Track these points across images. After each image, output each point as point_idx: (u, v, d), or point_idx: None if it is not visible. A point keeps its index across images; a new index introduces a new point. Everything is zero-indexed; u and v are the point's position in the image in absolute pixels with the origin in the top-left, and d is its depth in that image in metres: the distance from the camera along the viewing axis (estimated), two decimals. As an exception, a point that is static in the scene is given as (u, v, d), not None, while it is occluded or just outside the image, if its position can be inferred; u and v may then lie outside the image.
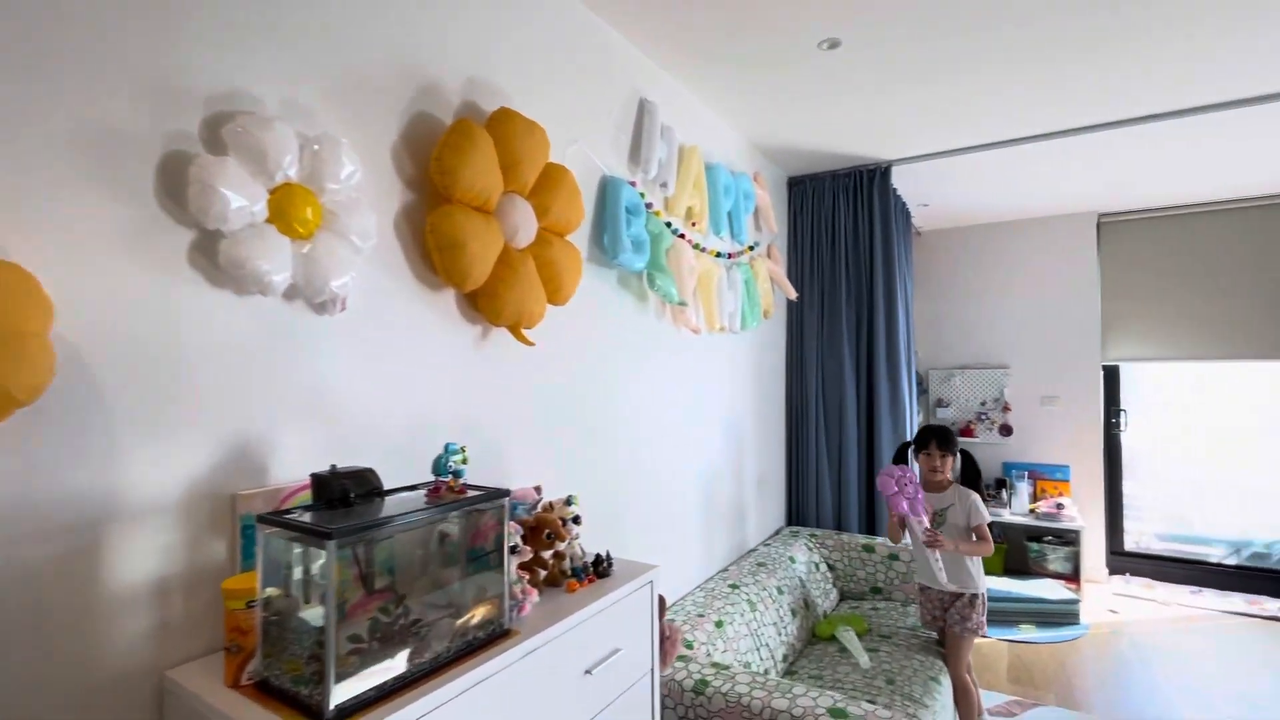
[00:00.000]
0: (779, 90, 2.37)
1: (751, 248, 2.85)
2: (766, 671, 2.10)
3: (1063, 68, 2.22)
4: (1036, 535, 4.10)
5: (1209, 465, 4.17)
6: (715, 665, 1.73)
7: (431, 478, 1.12)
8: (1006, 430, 4.39)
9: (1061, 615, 3.46)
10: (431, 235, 1.27)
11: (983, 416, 4.46)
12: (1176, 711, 2.63)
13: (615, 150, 1.91)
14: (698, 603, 2.12)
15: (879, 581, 2.81)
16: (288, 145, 0.99)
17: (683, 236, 2.15)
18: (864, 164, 3.19)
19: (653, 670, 1.39)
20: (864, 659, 2.16)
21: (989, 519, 2.32)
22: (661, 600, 1.50)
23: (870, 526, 3.14)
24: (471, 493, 1.06)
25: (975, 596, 2.29)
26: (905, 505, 2.17)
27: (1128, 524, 4.27)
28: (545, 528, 1.29)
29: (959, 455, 2.38)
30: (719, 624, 2.02)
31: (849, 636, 2.31)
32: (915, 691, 2.02)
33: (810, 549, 2.88)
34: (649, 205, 1.99)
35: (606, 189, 1.81)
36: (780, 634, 2.28)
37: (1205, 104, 2.53)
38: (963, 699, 2.29)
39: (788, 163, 3.21)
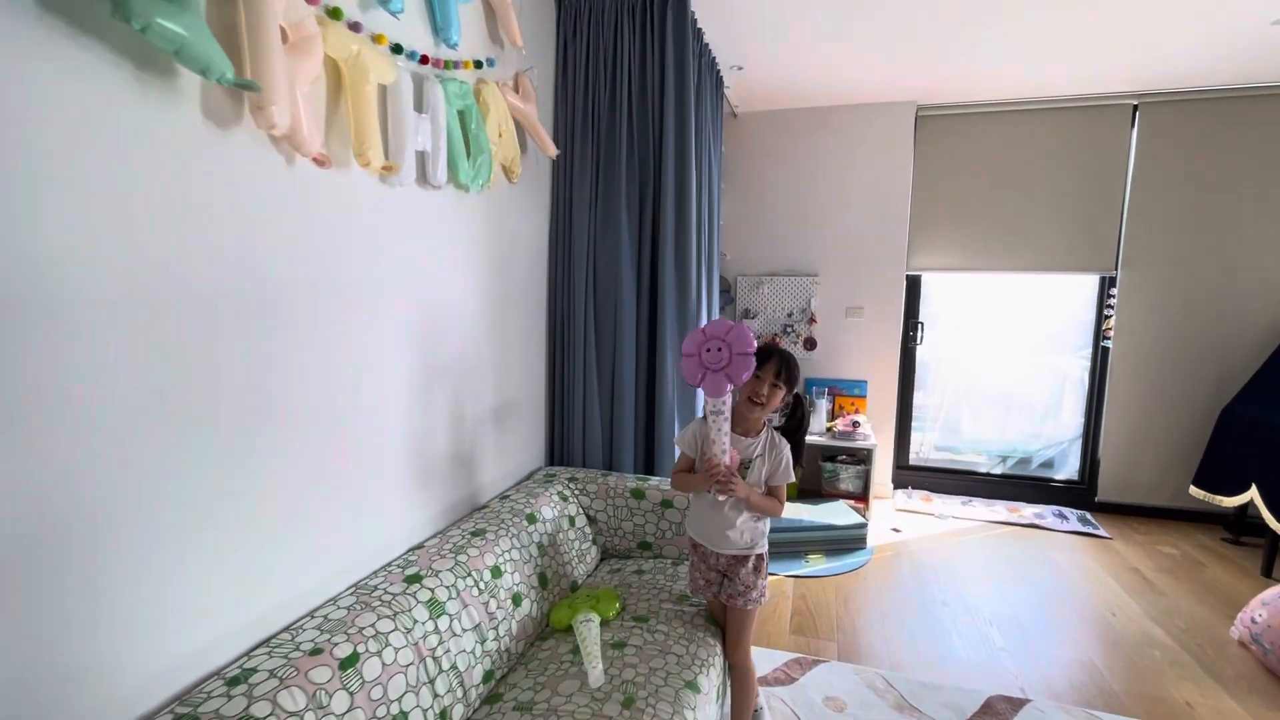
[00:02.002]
0: None
1: (480, 65, 1.87)
2: (443, 714, 1.35)
3: None
4: (832, 455, 3.87)
5: (989, 378, 4.19)
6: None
7: None
8: (811, 344, 4.04)
9: (849, 541, 3.21)
10: None
11: (789, 329, 4.07)
12: (949, 643, 2.41)
13: None
14: (331, 622, 1.28)
15: (648, 535, 2.19)
16: None
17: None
18: (656, -26, 2.31)
19: None
20: (595, 672, 1.50)
21: (791, 478, 1.74)
22: None
23: (649, 466, 2.51)
24: None
25: (761, 558, 1.73)
26: (701, 378, 1.53)
27: (912, 436, 4.22)
28: None
29: (791, 393, 1.72)
30: (349, 660, 1.20)
31: (587, 630, 1.63)
32: (662, 713, 1.40)
33: (566, 498, 2.17)
34: None
35: None
36: (488, 639, 1.54)
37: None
38: (741, 688, 1.76)
39: (551, -44, 2.21)
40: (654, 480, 2.26)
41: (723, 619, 1.80)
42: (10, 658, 0.84)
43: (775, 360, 1.66)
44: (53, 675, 0.89)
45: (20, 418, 0.85)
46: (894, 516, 3.71)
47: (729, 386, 1.50)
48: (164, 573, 1.05)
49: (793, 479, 1.74)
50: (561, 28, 2.40)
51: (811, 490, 3.93)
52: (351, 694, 1.17)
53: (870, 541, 3.28)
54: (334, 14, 1.31)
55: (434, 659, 1.38)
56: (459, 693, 1.42)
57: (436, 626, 1.42)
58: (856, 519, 3.31)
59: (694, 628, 1.76)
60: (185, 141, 1.05)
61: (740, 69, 3.27)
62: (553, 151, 2.19)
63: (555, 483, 2.21)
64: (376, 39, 1.44)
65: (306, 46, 1.20)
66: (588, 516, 2.22)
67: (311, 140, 1.21)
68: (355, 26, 1.36)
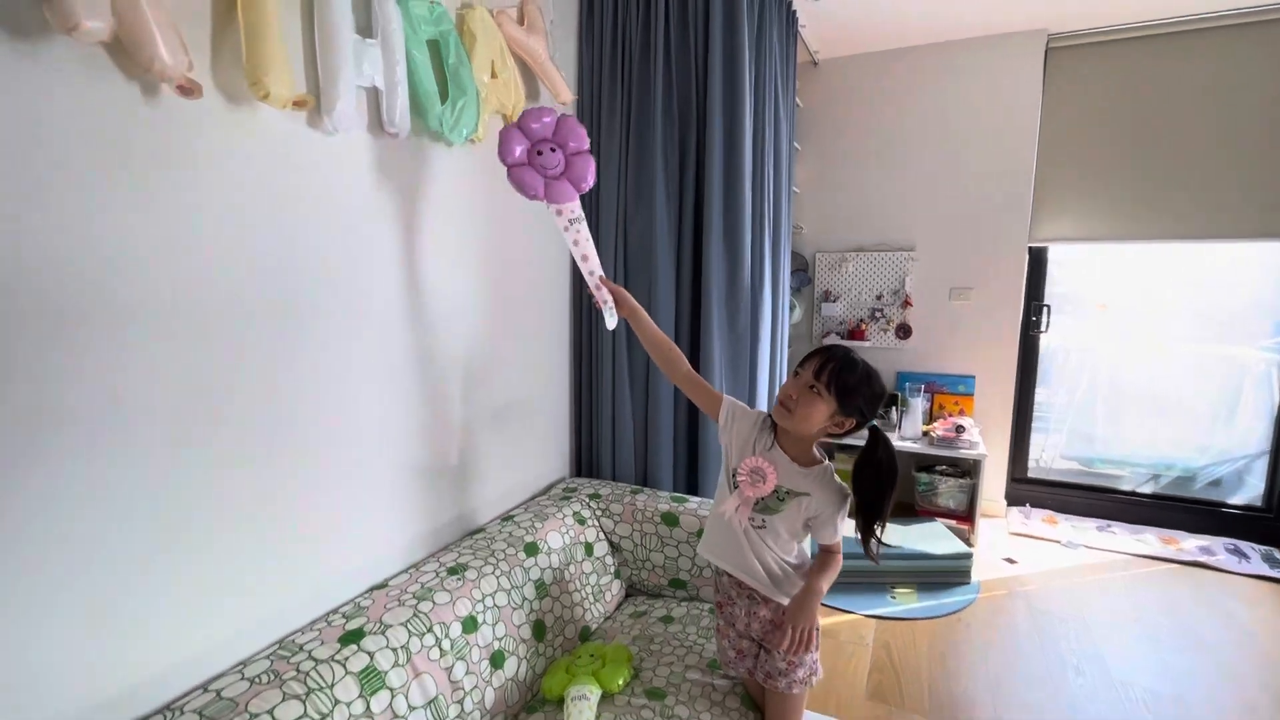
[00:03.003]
0: None
1: (464, -13, 1.49)
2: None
3: None
4: (929, 464, 3.25)
5: (1136, 373, 3.38)
6: None
7: None
8: (905, 331, 3.42)
9: (948, 574, 2.63)
10: None
11: (877, 314, 3.46)
12: (1084, 713, 1.84)
13: None
14: (220, 703, 0.97)
15: (682, 571, 1.77)
16: None
17: None
18: None
19: None
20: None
21: (841, 537, 1.26)
22: None
23: (691, 483, 2.08)
24: None
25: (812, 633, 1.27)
26: (543, 189, 1.32)
27: (1032, 443, 3.50)
28: None
29: (859, 428, 1.23)
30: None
31: (578, 714, 1.25)
32: None
33: (584, 520, 1.79)
34: None
35: None
36: (448, 718, 1.19)
37: None
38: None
39: None
40: (692, 501, 1.83)
41: (762, 700, 1.36)
42: None
43: (818, 357, 1.19)
44: None
45: None
46: (1007, 542, 3.06)
47: (575, 193, 1.35)
48: None
49: (838, 538, 1.26)
50: (586, -51, 1.98)
51: (903, 505, 3.34)
52: (213, 821, 0.85)
53: (976, 575, 2.68)
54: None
55: (364, 758, 1.04)
56: (394, 800, 1.08)
57: (368, 708, 1.08)
58: (959, 546, 2.71)
59: (723, 713, 1.33)
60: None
61: (816, 0, 2.70)
62: (566, 96, 1.78)
63: (573, 500, 1.84)
64: (294, -64, 1.09)
65: (155, -74, 0.86)
66: (610, 543, 1.83)
67: (161, 55, 0.87)
68: (255, -86, 1.02)
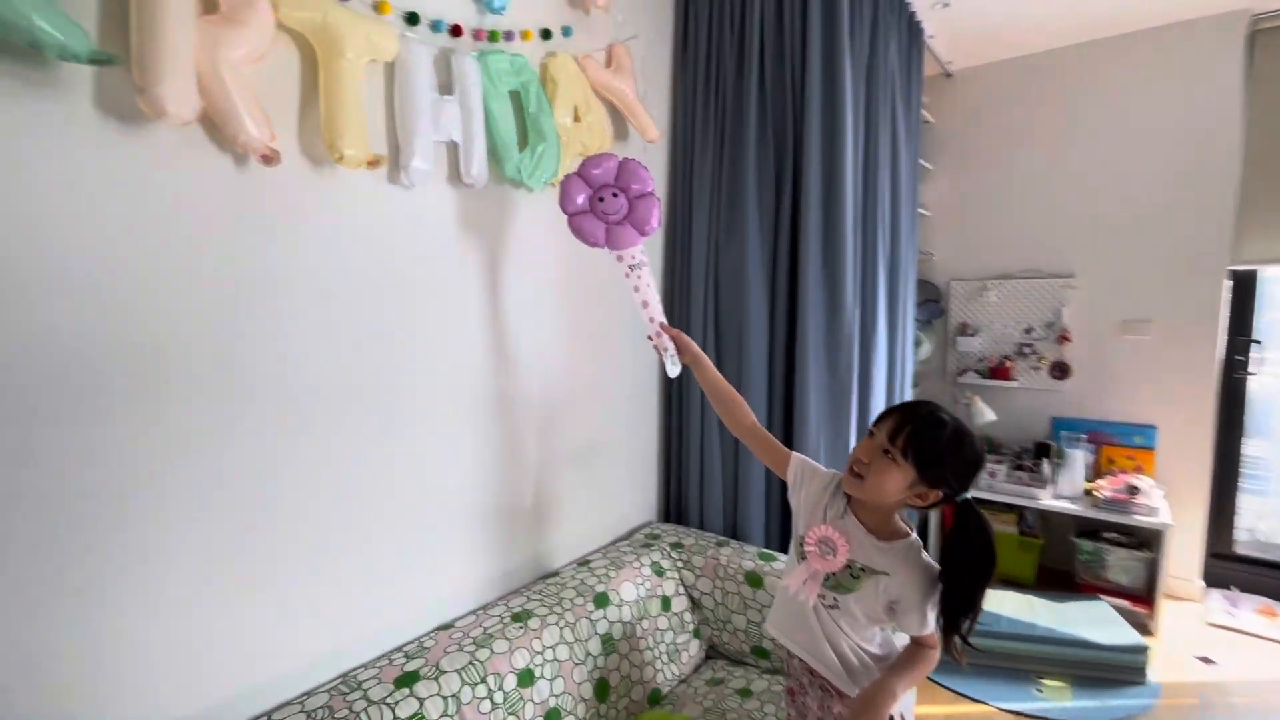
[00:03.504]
0: None
1: (549, 34, 1.52)
2: None
3: None
4: (1092, 529, 2.74)
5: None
6: None
7: None
8: (1061, 370, 2.95)
9: (1116, 669, 2.16)
10: None
11: (1027, 350, 3.02)
12: None
13: None
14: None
15: (765, 639, 1.61)
16: None
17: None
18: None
19: None
20: None
21: (932, 628, 1.05)
22: None
23: (784, 537, 1.91)
24: None
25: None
26: (605, 235, 1.30)
27: (1239, 509, 2.82)
28: None
29: (949, 500, 1.03)
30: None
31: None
32: None
33: (663, 572, 1.70)
34: None
35: None
36: (494, 777, 1.16)
37: None
38: None
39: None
40: (781, 560, 1.67)
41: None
42: None
43: (895, 415, 1.01)
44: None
45: None
46: (1203, 636, 2.47)
47: (639, 237, 1.32)
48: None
49: (927, 629, 1.04)
50: (682, -14, 1.96)
51: (1057, 574, 2.84)
52: None
53: (1156, 674, 2.18)
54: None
55: (400, 812, 1.03)
56: None
57: (413, 760, 1.08)
58: (1132, 635, 2.23)
59: (797, 818, 1.16)
60: (76, 133, 0.85)
61: (946, 5, 2.46)
62: (652, 135, 1.75)
63: (654, 549, 1.76)
64: (378, 6, 1.17)
65: (242, 15, 0.95)
66: (691, 599, 1.72)
67: (247, 129, 0.95)
68: (342, -8, 1.10)
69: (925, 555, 1.06)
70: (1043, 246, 2.98)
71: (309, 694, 1.13)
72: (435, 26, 1.28)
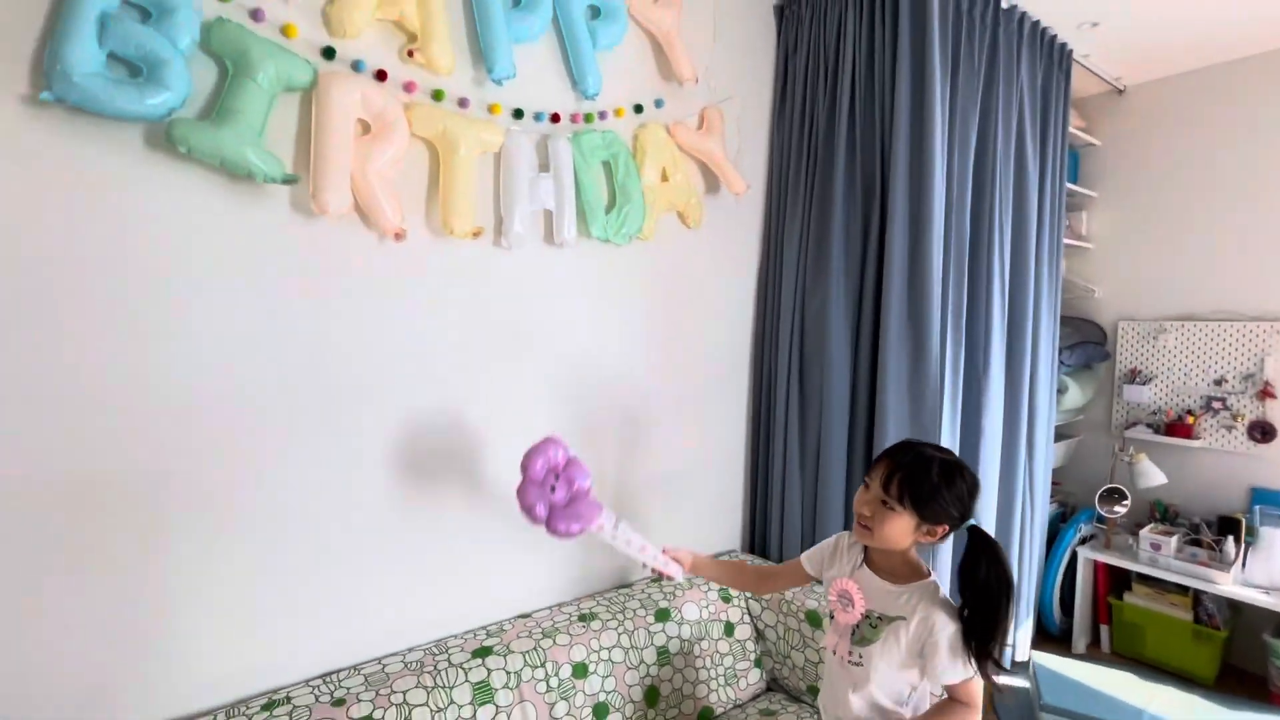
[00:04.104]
0: None
1: (640, 109, 1.74)
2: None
3: None
4: (1296, 628, 2.25)
5: None
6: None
7: None
8: (1264, 432, 2.46)
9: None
10: None
11: (1216, 405, 2.57)
12: None
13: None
14: (377, 676, 1.31)
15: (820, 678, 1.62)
16: None
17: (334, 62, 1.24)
18: (892, -60, 1.78)
19: None
20: None
21: (969, 675, 1.05)
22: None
23: (857, 577, 1.89)
24: None
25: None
26: (540, 510, 1.22)
27: None
28: None
29: (957, 529, 1.07)
30: (356, 727, 1.20)
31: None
32: None
33: (730, 598, 1.79)
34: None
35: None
36: (542, 749, 1.36)
37: None
38: None
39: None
40: (847, 605, 1.67)
41: None
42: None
43: (884, 464, 1.04)
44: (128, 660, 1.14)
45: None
46: None
47: (578, 528, 1.24)
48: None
49: (966, 675, 1.04)
50: (782, 42, 2.07)
51: (1248, 676, 2.35)
52: (346, 757, 1.17)
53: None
54: (437, 96, 1.39)
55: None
56: (480, 807, 1.28)
57: (475, 716, 1.32)
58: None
59: None
60: (273, 229, 1.24)
61: (1095, 25, 2.25)
62: (738, 188, 1.88)
63: (726, 576, 1.85)
64: (491, 108, 1.47)
65: (387, 133, 1.30)
66: (755, 629, 1.79)
67: (386, 217, 1.29)
68: (463, 103, 1.42)
69: (943, 594, 1.08)
70: (1239, 283, 2.53)
71: (410, 649, 1.44)
72: (538, 117, 1.56)
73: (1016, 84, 2.08)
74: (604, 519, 1.28)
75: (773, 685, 1.77)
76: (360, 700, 1.24)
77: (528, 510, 1.23)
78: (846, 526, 1.89)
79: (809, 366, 1.94)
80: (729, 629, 1.74)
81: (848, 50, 1.86)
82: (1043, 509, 2.44)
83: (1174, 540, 2.40)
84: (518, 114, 1.52)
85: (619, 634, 1.57)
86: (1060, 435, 2.84)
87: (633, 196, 1.67)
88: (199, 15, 1.10)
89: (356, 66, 1.29)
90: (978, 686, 1.05)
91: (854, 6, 1.86)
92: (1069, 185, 2.70)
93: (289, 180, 1.17)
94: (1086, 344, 2.83)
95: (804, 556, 1.31)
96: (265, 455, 1.25)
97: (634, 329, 1.81)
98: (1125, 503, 2.50)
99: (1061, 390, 2.61)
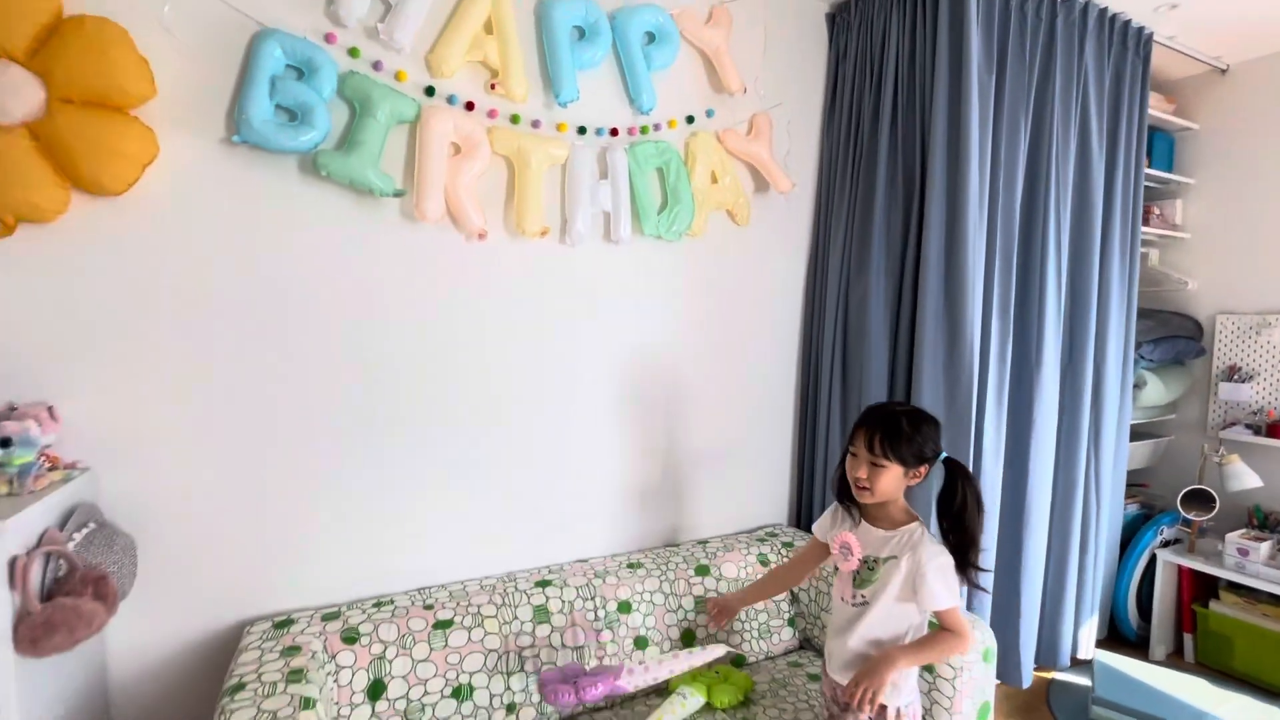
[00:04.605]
0: None
1: (692, 120, 1.95)
2: (511, 708, 1.51)
3: None
4: None
5: None
6: None
7: None
8: (1384, 436, 2.25)
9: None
10: None
11: (1328, 405, 2.37)
12: None
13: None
14: (460, 592, 1.62)
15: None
16: None
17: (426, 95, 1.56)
18: (933, -52, 1.88)
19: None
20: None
21: (956, 602, 1.21)
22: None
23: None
24: None
25: (883, 710, 1.24)
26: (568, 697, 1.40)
27: None
28: None
29: (934, 463, 1.26)
30: (442, 624, 1.51)
31: (674, 708, 1.49)
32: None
33: (768, 562, 1.96)
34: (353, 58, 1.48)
35: (252, 48, 1.39)
36: (589, 665, 1.61)
37: None
38: None
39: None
40: (876, 574, 1.80)
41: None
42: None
43: (863, 431, 1.20)
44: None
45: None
46: None
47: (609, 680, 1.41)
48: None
49: (954, 602, 1.19)
50: (833, 48, 2.20)
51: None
52: (431, 648, 1.48)
53: None
54: (514, 119, 1.68)
55: (519, 657, 1.56)
56: (534, 698, 1.55)
57: (534, 631, 1.60)
58: None
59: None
60: (387, 230, 1.58)
61: (1174, 6, 2.17)
62: (783, 187, 2.04)
63: (768, 544, 2.03)
64: (559, 127, 1.75)
65: (474, 153, 1.61)
66: (791, 591, 1.94)
67: (471, 221, 1.60)
68: (535, 124, 1.71)
69: (928, 535, 1.23)
70: (1359, 274, 2.32)
71: (485, 577, 1.75)
72: (599, 132, 1.81)
73: (1079, 73, 2.08)
74: (624, 671, 1.44)
75: (805, 644, 1.92)
76: (444, 607, 1.56)
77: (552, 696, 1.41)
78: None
79: (851, 353, 2.06)
80: (765, 589, 1.91)
81: (891, 52, 1.97)
82: (1112, 507, 2.39)
83: (1264, 547, 2.26)
84: (581, 130, 1.78)
85: (661, 581, 1.80)
86: (1146, 434, 2.73)
87: (683, 198, 1.89)
88: (336, 68, 1.45)
89: (450, 100, 1.60)
90: (966, 616, 1.20)
91: (898, 10, 1.96)
92: (1159, 172, 2.60)
93: (399, 193, 1.50)
94: (1176, 338, 2.68)
95: (814, 530, 1.46)
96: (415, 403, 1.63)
97: (685, 315, 2.02)
98: (1212, 506, 2.37)
99: (1139, 385, 2.52)
